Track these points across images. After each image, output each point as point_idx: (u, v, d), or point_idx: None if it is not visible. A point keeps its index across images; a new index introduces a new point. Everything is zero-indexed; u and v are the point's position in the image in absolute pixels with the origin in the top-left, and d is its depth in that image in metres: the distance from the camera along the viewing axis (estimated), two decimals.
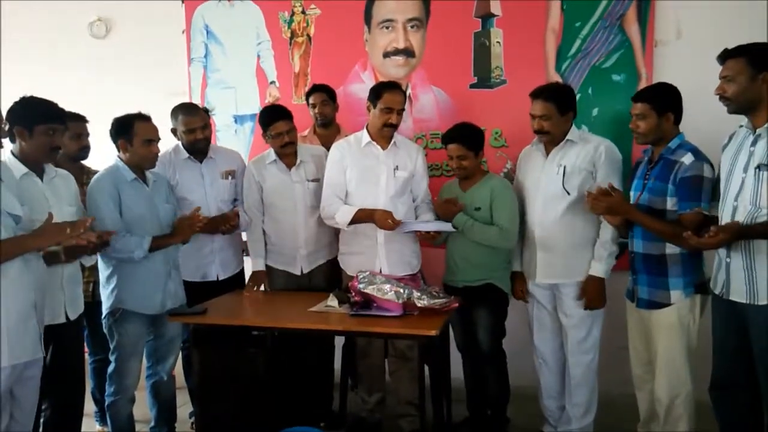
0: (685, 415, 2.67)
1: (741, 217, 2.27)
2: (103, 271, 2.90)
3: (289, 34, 4.06)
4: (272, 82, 4.12)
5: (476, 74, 3.71)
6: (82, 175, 3.14)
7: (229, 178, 3.33)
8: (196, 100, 4.13)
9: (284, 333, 2.87)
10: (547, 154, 2.96)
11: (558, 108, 2.85)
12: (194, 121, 3.19)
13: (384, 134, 3.09)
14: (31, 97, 2.52)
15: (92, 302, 3.03)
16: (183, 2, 4.24)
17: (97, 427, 3.42)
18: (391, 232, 3.00)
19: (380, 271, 2.97)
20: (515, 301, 3.15)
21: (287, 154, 3.23)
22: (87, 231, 2.27)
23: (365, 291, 2.73)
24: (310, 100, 3.62)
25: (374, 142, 3.11)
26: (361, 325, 2.68)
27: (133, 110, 2.89)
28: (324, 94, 3.60)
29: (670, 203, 2.58)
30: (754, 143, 2.29)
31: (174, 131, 3.25)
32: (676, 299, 2.63)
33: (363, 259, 3.07)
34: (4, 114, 2.34)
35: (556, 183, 2.89)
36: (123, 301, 2.85)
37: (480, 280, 3.04)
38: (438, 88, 3.80)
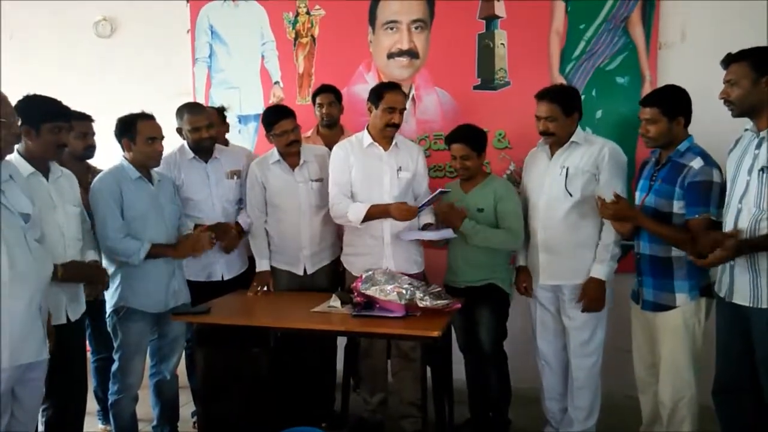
0: (688, 418, 2.67)
1: (745, 220, 2.27)
2: (108, 270, 2.91)
3: (293, 35, 4.07)
4: (276, 83, 4.13)
5: (480, 76, 3.71)
6: (88, 175, 3.14)
7: (235, 178, 3.33)
8: (201, 100, 4.14)
9: (287, 333, 2.87)
10: (552, 155, 2.96)
11: (563, 109, 2.85)
12: (199, 120, 3.19)
13: (386, 134, 3.10)
14: (35, 96, 2.53)
15: (95, 301, 3.03)
16: (188, 2, 4.25)
17: (100, 425, 3.43)
18: (396, 234, 3.01)
19: (388, 270, 2.97)
20: (517, 302, 3.15)
21: (292, 153, 3.24)
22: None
23: (367, 292, 2.73)
24: (318, 100, 3.62)
25: (376, 143, 3.11)
26: (363, 326, 2.68)
27: (138, 110, 2.91)
28: (332, 95, 3.61)
29: (677, 206, 2.58)
30: (758, 146, 2.29)
31: (179, 131, 3.25)
32: (682, 302, 2.62)
33: (370, 259, 3.07)
34: None
35: (559, 184, 2.89)
36: (127, 300, 2.87)
37: (482, 280, 3.05)
38: (442, 90, 3.80)
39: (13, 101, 2.42)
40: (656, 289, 2.68)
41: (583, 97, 3.36)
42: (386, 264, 3.07)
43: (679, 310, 2.63)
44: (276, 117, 3.20)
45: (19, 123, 2.33)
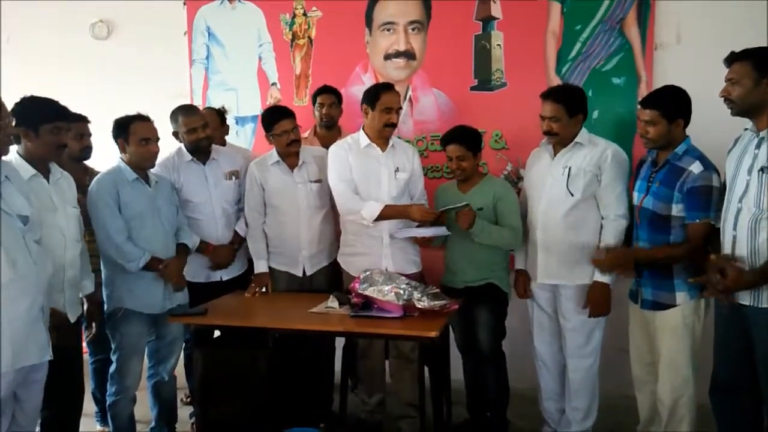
0: (687, 417, 2.68)
1: (745, 219, 2.28)
2: (105, 271, 2.92)
3: (290, 36, 4.07)
4: (273, 84, 4.13)
5: (477, 77, 3.72)
6: (85, 176, 3.14)
7: (233, 178, 3.34)
8: (198, 102, 4.14)
9: (285, 334, 2.87)
10: (555, 155, 2.96)
11: (567, 110, 2.83)
12: (194, 121, 3.20)
13: (384, 134, 3.10)
14: (33, 97, 2.53)
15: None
16: (184, 4, 4.26)
17: (98, 427, 3.42)
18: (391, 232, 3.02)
19: (386, 270, 2.98)
20: (515, 303, 3.15)
21: (291, 154, 3.24)
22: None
23: (365, 293, 2.74)
24: (319, 100, 3.62)
25: (373, 144, 3.12)
26: (361, 326, 2.69)
27: (135, 112, 2.91)
28: (333, 96, 3.62)
29: (675, 210, 2.59)
30: (758, 146, 2.30)
31: (176, 134, 3.25)
32: (682, 301, 2.63)
33: (368, 260, 3.07)
34: None
35: (560, 184, 2.89)
36: (124, 301, 2.87)
37: (481, 280, 3.06)
38: (439, 91, 3.81)
39: (11, 103, 2.43)
40: (655, 288, 2.69)
41: None
42: (385, 264, 3.07)
43: (679, 308, 2.64)
44: (276, 117, 3.20)
45: (14, 124, 2.33)
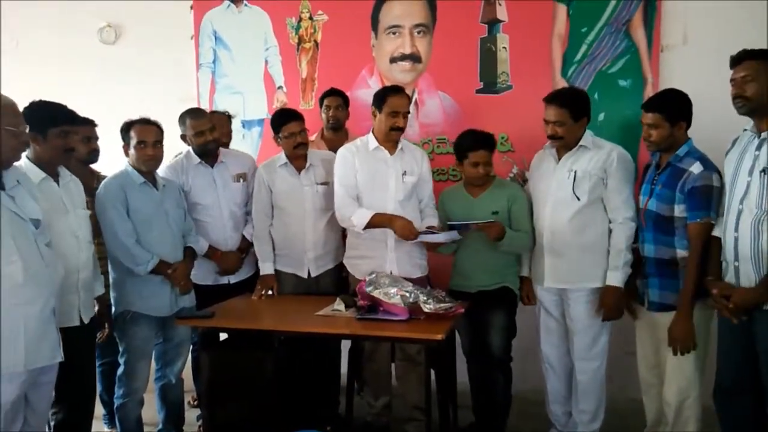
0: (692, 418, 2.67)
1: (747, 221, 2.28)
2: (113, 274, 2.94)
3: (296, 40, 4.09)
4: (280, 87, 4.15)
5: (482, 79, 3.72)
6: (93, 180, 3.16)
7: (241, 181, 3.36)
8: (205, 106, 4.16)
9: (291, 337, 2.88)
10: (559, 158, 2.95)
11: (572, 114, 2.83)
12: (202, 124, 3.22)
13: (391, 138, 3.11)
14: (40, 101, 2.56)
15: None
16: (191, 8, 4.28)
17: (106, 429, 3.44)
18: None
19: (391, 273, 2.98)
20: (520, 305, 3.15)
21: (299, 156, 3.26)
22: None
23: (372, 295, 2.74)
24: (326, 102, 3.64)
25: (382, 147, 3.12)
26: (367, 329, 2.70)
27: (140, 115, 2.95)
28: (340, 99, 3.64)
29: (677, 210, 2.59)
30: (758, 147, 2.30)
31: (184, 137, 3.28)
32: None
33: (373, 263, 3.07)
34: None
35: (566, 188, 2.89)
36: (132, 304, 2.90)
37: (496, 284, 3.05)
38: (444, 94, 3.81)
39: (19, 107, 2.45)
40: (662, 289, 2.68)
41: None
42: (389, 268, 3.07)
43: None
44: (284, 119, 3.22)
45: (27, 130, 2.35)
